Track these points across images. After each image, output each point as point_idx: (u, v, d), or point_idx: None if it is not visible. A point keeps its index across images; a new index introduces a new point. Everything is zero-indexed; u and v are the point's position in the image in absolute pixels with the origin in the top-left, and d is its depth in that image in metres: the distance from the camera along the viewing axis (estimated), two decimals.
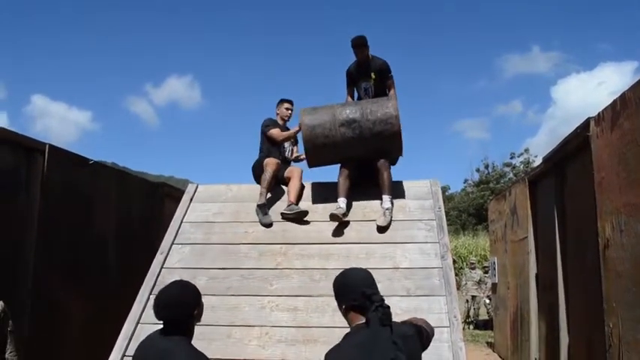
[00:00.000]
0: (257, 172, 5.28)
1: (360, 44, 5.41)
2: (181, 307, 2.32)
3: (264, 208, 4.92)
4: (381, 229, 4.62)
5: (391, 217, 4.69)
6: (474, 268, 13.58)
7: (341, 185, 4.92)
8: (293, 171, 5.24)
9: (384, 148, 4.94)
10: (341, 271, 2.36)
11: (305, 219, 4.83)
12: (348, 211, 4.77)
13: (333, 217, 4.63)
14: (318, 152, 4.92)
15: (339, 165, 5.13)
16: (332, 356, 2.09)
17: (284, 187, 5.20)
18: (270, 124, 5.47)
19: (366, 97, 5.53)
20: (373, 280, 2.26)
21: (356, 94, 5.64)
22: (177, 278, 3.70)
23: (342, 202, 4.77)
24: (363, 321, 2.13)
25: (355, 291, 2.18)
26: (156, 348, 2.26)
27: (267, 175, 5.06)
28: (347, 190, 4.87)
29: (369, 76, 5.57)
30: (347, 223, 4.68)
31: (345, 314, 2.23)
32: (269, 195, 5.07)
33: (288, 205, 4.91)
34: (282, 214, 4.87)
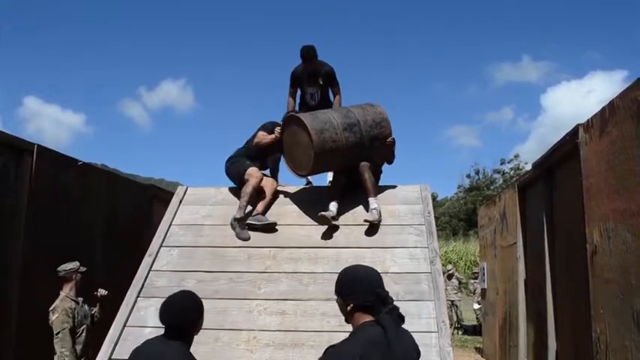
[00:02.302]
0: (234, 169, 5.08)
1: (310, 57, 5.49)
2: (186, 314, 2.50)
3: (242, 222, 4.73)
4: (371, 226, 4.61)
5: (379, 216, 4.68)
6: (451, 276, 13.52)
7: (332, 190, 4.91)
8: (267, 181, 5.07)
9: (379, 152, 4.95)
10: (349, 267, 2.28)
11: (295, 223, 4.80)
12: (339, 216, 4.76)
13: (321, 218, 4.60)
14: (325, 158, 4.66)
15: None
16: (342, 350, 2.03)
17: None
18: (267, 127, 5.20)
19: (312, 102, 5.67)
20: (382, 279, 2.20)
21: (298, 98, 5.78)
22: (166, 281, 3.69)
23: (332, 206, 4.75)
24: (370, 319, 2.09)
25: (368, 290, 2.11)
26: (155, 351, 2.39)
27: (249, 188, 4.83)
28: (338, 195, 4.86)
29: (316, 82, 5.67)
30: (336, 228, 4.67)
31: (351, 312, 2.15)
32: (249, 208, 4.85)
33: (254, 215, 4.76)
34: (248, 224, 4.73)
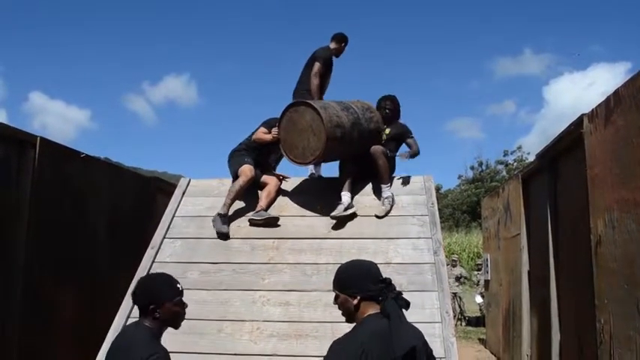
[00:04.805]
0: (232, 165, 5.03)
1: (348, 43, 5.89)
2: (142, 293, 2.43)
3: (224, 218, 4.69)
4: (379, 218, 4.63)
5: (391, 205, 4.68)
6: (455, 266, 13.64)
7: (342, 180, 4.88)
8: (271, 179, 5.03)
9: (374, 136, 4.96)
10: (345, 262, 2.31)
11: (297, 214, 4.80)
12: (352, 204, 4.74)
13: (334, 218, 4.62)
14: (335, 131, 4.51)
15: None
16: (344, 344, 2.04)
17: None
18: (272, 123, 5.04)
19: (326, 88, 5.86)
20: (379, 269, 2.24)
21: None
22: (169, 273, 3.69)
23: (345, 196, 4.73)
24: (375, 311, 2.10)
25: (373, 280, 2.15)
26: (123, 335, 2.41)
27: (237, 186, 4.78)
28: (349, 184, 4.81)
29: (330, 73, 5.95)
30: (339, 218, 4.65)
31: (357, 306, 2.15)
32: (233, 206, 4.83)
33: (257, 211, 4.74)
34: (250, 220, 4.72)
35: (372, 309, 2.12)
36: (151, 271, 4.31)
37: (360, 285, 2.16)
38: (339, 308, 2.23)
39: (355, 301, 2.15)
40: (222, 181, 5.29)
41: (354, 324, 2.16)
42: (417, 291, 3.97)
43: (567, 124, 4.95)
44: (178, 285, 2.42)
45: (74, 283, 5.45)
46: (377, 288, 2.13)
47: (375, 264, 2.25)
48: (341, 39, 5.88)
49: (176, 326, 2.41)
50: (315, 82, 5.54)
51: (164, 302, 2.34)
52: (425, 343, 2.12)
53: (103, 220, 6.14)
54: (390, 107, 5.26)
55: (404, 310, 2.10)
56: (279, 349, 3.72)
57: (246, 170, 4.85)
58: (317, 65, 5.57)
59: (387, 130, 5.22)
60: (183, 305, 2.42)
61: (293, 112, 4.67)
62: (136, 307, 3.91)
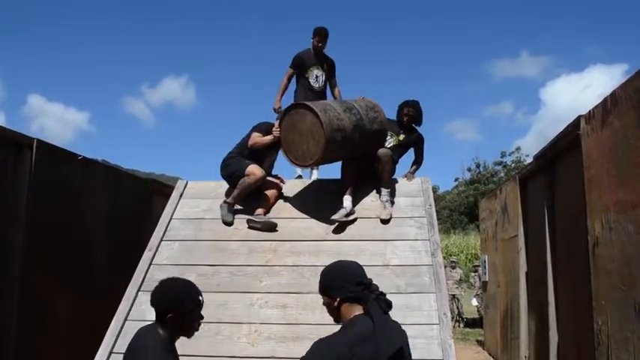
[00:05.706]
0: (231, 170, 4.91)
1: (327, 35, 5.77)
2: (164, 298, 2.35)
3: (230, 207, 4.76)
4: (385, 223, 4.61)
5: (392, 209, 4.67)
6: (454, 267, 13.66)
7: (344, 181, 4.85)
8: (272, 184, 5.02)
9: (378, 137, 4.94)
10: (328, 264, 2.29)
11: (295, 216, 4.79)
12: (353, 210, 4.71)
13: (334, 222, 4.59)
14: (335, 136, 4.45)
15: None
16: (332, 344, 2.02)
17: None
18: (262, 128, 4.98)
19: (316, 84, 5.74)
20: (364, 270, 2.22)
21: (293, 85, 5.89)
22: (166, 275, 3.68)
23: (346, 200, 4.69)
24: (360, 312, 2.10)
25: (352, 281, 2.14)
26: (138, 340, 2.32)
27: (246, 183, 4.72)
28: (352, 188, 4.77)
29: (322, 65, 5.80)
30: (339, 222, 4.63)
31: (338, 308, 2.15)
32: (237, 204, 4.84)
33: (256, 214, 4.73)
34: (248, 221, 4.70)
35: (356, 310, 2.12)
36: (148, 273, 4.30)
37: (338, 287, 2.16)
38: (327, 310, 2.23)
39: (335, 303, 2.16)
40: (219, 183, 5.27)
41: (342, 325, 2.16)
42: (415, 293, 3.96)
43: (564, 125, 4.97)
44: (200, 297, 2.39)
45: (71, 284, 5.43)
46: (357, 290, 2.12)
47: (359, 265, 2.24)
48: (313, 33, 5.83)
49: (189, 336, 2.38)
50: (283, 80, 5.83)
51: (184, 312, 2.31)
52: (407, 344, 2.12)
53: (100, 222, 6.13)
54: (411, 114, 5.22)
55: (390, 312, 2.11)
56: (276, 351, 3.71)
57: (255, 170, 4.77)
58: (289, 69, 5.85)
59: (401, 137, 5.23)
60: (201, 317, 2.39)
61: (294, 114, 4.62)
62: (133, 309, 3.95)
